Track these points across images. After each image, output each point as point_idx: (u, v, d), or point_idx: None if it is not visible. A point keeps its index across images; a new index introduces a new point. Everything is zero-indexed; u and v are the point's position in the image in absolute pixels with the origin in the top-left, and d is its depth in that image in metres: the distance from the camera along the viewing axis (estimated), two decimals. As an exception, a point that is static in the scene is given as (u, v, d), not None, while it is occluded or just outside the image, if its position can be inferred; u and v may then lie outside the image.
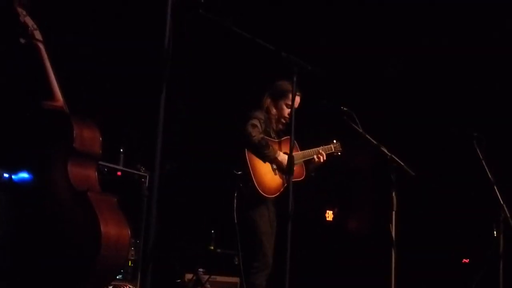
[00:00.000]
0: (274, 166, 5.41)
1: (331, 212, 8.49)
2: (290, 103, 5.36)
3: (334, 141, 5.79)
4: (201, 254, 6.65)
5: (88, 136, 4.47)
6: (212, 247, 6.69)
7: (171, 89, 3.20)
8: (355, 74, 7.90)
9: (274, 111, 5.52)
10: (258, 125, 5.31)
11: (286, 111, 5.46)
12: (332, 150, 5.74)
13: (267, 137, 5.42)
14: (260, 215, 5.29)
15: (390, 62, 5.00)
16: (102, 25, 6.36)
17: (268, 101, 5.55)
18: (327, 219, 8.49)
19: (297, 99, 5.44)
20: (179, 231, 6.79)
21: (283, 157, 5.36)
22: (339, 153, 5.80)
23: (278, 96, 5.47)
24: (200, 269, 6.36)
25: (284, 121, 5.50)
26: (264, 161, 5.33)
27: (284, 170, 5.31)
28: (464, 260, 7.22)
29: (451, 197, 7.32)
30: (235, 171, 5.24)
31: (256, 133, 5.24)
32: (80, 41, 6.14)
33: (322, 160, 5.59)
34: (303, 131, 5.46)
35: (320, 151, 5.61)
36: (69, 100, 4.47)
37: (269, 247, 5.28)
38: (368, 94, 7.80)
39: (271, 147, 5.32)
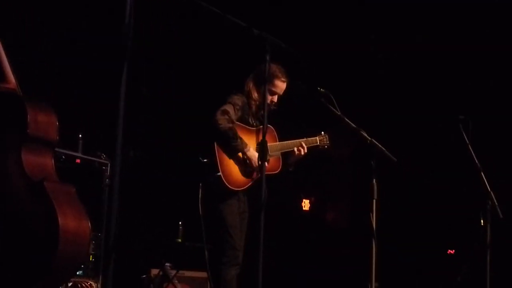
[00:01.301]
0: (246, 157, 5.24)
1: (308, 201, 8.49)
2: (274, 89, 5.32)
3: (322, 133, 5.62)
4: (168, 247, 6.59)
5: (44, 121, 4.40)
6: (179, 240, 6.63)
7: (133, 71, 3.15)
8: (334, 57, 7.88)
9: (256, 96, 5.35)
10: (231, 111, 5.16)
11: (269, 97, 5.27)
12: (317, 142, 5.56)
13: (244, 125, 5.29)
14: (228, 207, 5.19)
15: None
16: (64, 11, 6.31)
17: (250, 84, 5.37)
18: (304, 208, 8.49)
19: (283, 85, 5.37)
20: (144, 223, 6.74)
21: (252, 154, 5.20)
22: (326, 147, 5.62)
23: (262, 81, 5.18)
24: (167, 264, 6.31)
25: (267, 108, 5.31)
26: (230, 155, 5.18)
27: (252, 169, 5.22)
28: (449, 251, 7.26)
29: (435, 185, 7.36)
30: (201, 159, 5.15)
31: (224, 121, 5.08)
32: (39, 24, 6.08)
33: (302, 153, 5.43)
34: (289, 120, 5.42)
35: (302, 143, 5.44)
36: (23, 83, 4.40)
37: (238, 241, 5.20)
38: (348, 77, 7.79)
39: (239, 140, 5.14)
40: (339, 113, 4.92)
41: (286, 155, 5.48)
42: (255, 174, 5.23)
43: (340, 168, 8.43)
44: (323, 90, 4.96)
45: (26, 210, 4.22)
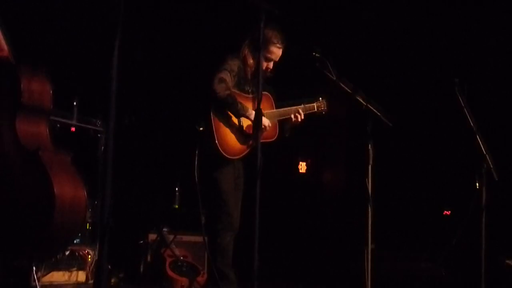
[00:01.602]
0: (242, 125, 5.21)
1: (304, 163, 8.51)
2: (270, 55, 5.22)
3: (320, 98, 5.50)
4: (165, 213, 6.61)
5: (37, 89, 4.41)
6: (176, 206, 6.64)
7: (127, 35, 3.13)
8: (327, 17, 7.82)
9: (251, 62, 5.26)
10: (228, 78, 5.10)
11: (265, 64, 5.19)
12: (314, 109, 5.47)
13: (241, 92, 5.24)
14: (224, 174, 5.17)
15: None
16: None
17: (246, 50, 5.27)
18: (300, 171, 8.51)
19: (278, 51, 5.26)
20: (140, 189, 6.74)
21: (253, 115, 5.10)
22: (324, 113, 5.52)
23: (257, 47, 5.03)
24: (165, 229, 6.34)
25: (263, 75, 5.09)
26: (238, 117, 5.16)
27: (251, 135, 5.19)
28: (445, 212, 7.29)
29: (431, 147, 7.35)
30: (196, 127, 5.10)
31: (221, 89, 5.03)
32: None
33: (299, 120, 5.36)
34: (286, 85, 5.37)
35: (299, 110, 5.36)
36: (15, 50, 4.39)
37: (234, 207, 5.18)
38: (342, 38, 7.73)
39: (239, 105, 5.11)
40: (334, 78, 4.90)
41: (282, 121, 5.43)
42: (251, 141, 5.22)
43: (335, 128, 8.43)
44: (318, 55, 4.93)
45: (21, 180, 4.25)
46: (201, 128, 5.11)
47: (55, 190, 4.19)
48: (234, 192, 5.22)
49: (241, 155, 5.21)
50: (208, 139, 5.09)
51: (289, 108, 5.40)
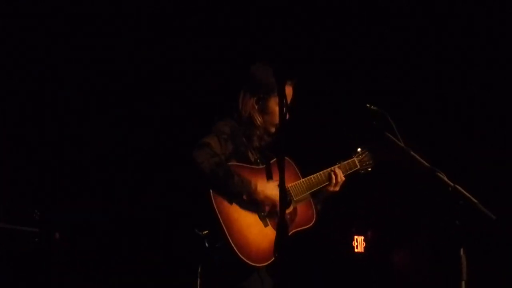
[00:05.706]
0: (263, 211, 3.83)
1: (362, 238, 6.83)
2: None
3: (359, 149, 4.22)
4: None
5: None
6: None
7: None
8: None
9: (260, 119, 3.96)
10: (214, 143, 3.74)
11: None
12: (356, 165, 4.18)
13: (242, 163, 3.84)
14: (252, 281, 3.78)
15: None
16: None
17: (250, 103, 3.95)
18: (356, 249, 6.84)
19: (290, 90, 3.93)
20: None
21: (266, 194, 3.79)
22: (370, 169, 4.24)
23: (267, 93, 3.91)
24: None
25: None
26: (231, 201, 3.71)
27: (275, 212, 3.76)
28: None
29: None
30: (197, 231, 3.70)
31: (205, 157, 3.64)
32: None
33: (339, 184, 4.04)
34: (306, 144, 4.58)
35: (335, 170, 4.05)
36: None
37: None
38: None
39: (236, 177, 3.70)
40: (402, 145, 3.45)
41: (316, 193, 4.09)
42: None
43: (405, 189, 6.77)
44: (375, 108, 3.51)
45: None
46: (204, 232, 3.71)
47: None
48: None
49: (271, 260, 3.75)
50: (218, 244, 3.70)
51: (321, 172, 4.06)
